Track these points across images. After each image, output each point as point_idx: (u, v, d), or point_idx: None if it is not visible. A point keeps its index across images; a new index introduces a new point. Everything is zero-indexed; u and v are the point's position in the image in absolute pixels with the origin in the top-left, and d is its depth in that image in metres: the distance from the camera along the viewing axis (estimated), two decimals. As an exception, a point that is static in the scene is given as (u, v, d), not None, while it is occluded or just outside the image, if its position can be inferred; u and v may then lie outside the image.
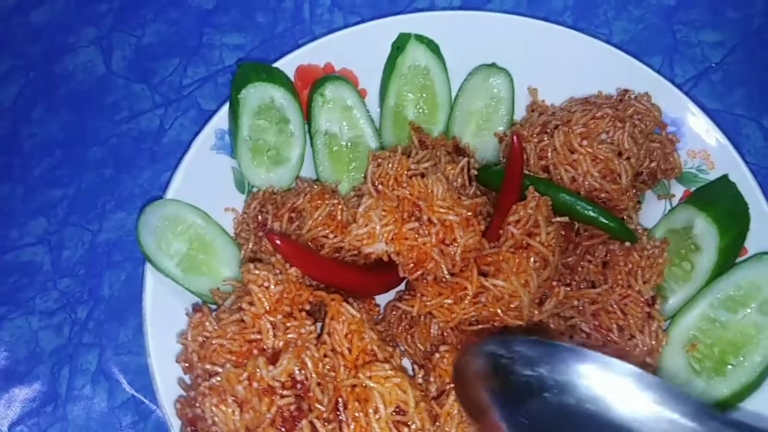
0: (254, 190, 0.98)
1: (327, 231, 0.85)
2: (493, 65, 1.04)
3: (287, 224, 0.89)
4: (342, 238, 0.84)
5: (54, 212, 1.11)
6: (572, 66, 1.04)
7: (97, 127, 1.20)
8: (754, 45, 1.23)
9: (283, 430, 0.72)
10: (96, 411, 0.96)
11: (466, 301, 0.80)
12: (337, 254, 0.86)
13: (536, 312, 0.81)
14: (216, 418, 0.71)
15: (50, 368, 0.99)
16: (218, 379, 0.72)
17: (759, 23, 1.25)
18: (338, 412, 0.72)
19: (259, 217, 0.92)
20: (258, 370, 0.70)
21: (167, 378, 0.82)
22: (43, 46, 1.29)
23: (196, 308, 0.86)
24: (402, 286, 0.93)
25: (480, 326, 0.83)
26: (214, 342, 0.74)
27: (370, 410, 0.70)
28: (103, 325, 1.02)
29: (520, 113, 1.06)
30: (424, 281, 0.83)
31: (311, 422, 0.73)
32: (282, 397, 0.71)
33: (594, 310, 0.86)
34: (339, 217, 0.86)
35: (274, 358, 0.74)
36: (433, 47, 1.05)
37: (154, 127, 1.19)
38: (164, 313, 0.86)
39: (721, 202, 0.89)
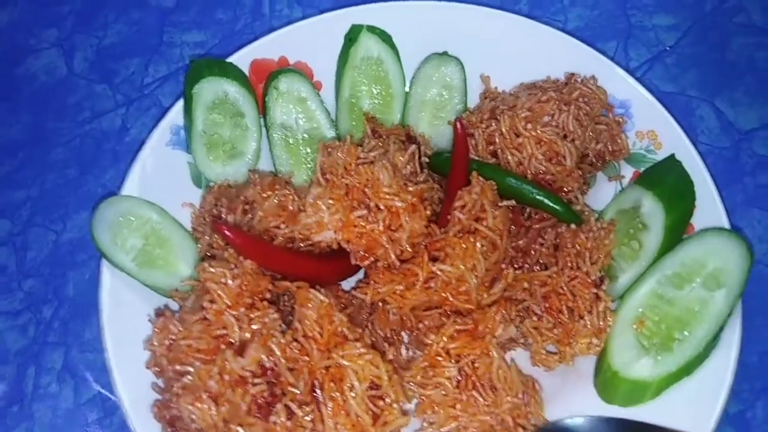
0: (211, 184, 0.99)
1: (278, 221, 0.86)
2: (444, 54, 1.06)
3: (241, 216, 0.90)
4: (293, 228, 0.85)
5: (18, 214, 1.12)
6: (524, 53, 1.06)
7: (60, 128, 1.20)
8: (706, 28, 1.25)
9: (259, 416, 0.74)
10: (62, 408, 0.97)
11: (417, 287, 0.82)
12: (291, 244, 0.88)
13: (485, 295, 0.82)
14: (193, 416, 0.73)
15: (16, 368, 1.00)
16: (190, 378, 0.73)
17: (711, 6, 1.26)
18: (315, 394, 0.74)
19: (215, 210, 0.93)
20: (227, 363, 0.72)
21: (126, 370, 0.83)
22: (3, 48, 1.29)
23: (158, 312, 0.88)
24: (361, 275, 0.95)
25: (433, 310, 0.85)
26: (181, 343, 0.76)
27: (346, 388, 0.73)
28: (68, 323, 1.02)
29: (474, 100, 1.08)
30: (377, 268, 0.84)
31: (286, 405, 0.75)
32: (254, 385, 0.73)
33: (544, 293, 0.88)
34: (290, 207, 0.87)
35: (241, 350, 0.75)
36: (385, 38, 1.06)
37: (116, 127, 1.20)
38: (122, 309, 0.87)
39: (667, 180, 0.91)
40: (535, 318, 0.87)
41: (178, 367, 0.74)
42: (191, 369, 0.74)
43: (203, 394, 0.71)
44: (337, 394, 0.73)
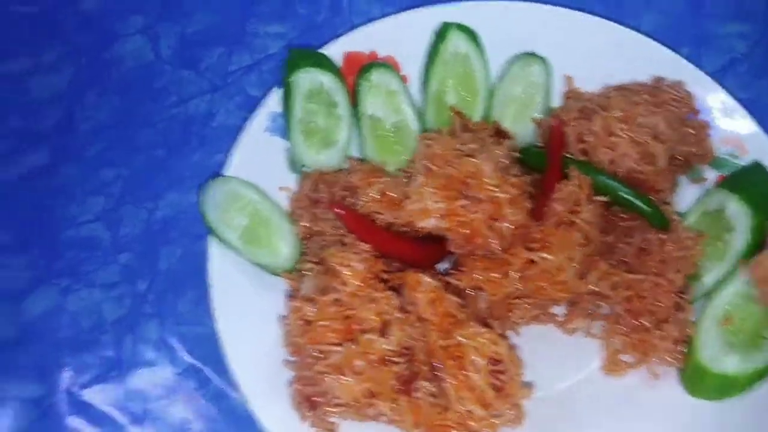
0: (305, 169, 1.04)
1: (380, 207, 0.90)
2: (532, 54, 1.09)
3: (340, 200, 0.94)
4: (393, 214, 0.90)
5: (110, 191, 1.16)
6: (605, 54, 1.10)
7: (148, 111, 1.25)
8: (780, 36, 1.27)
9: (400, 393, 0.80)
10: (158, 377, 1.02)
11: (514, 275, 0.86)
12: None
13: (580, 285, 0.86)
14: (338, 392, 0.79)
15: (113, 337, 1.05)
16: (335, 357, 0.79)
17: (785, 15, 1.29)
18: (436, 373, 0.79)
19: (313, 195, 0.98)
20: (373, 343, 0.78)
21: (235, 342, 0.88)
22: (92, 33, 1.34)
23: (291, 293, 0.93)
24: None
25: (525, 300, 0.89)
26: (319, 324, 0.81)
27: (468, 364, 0.77)
28: (161, 297, 1.07)
29: (555, 100, 1.11)
30: (473, 257, 0.88)
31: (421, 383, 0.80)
32: (396, 364, 0.78)
33: (627, 296, 0.91)
34: (390, 195, 0.91)
35: (383, 331, 0.81)
36: (473, 36, 1.10)
37: (201, 112, 1.24)
38: (228, 284, 0.92)
39: (753, 185, 0.94)
40: (614, 317, 0.91)
41: (321, 347, 0.79)
42: (338, 349, 0.78)
43: (348, 372, 0.77)
44: (458, 370, 0.77)
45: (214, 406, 1.00)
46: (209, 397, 1.00)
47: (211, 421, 1.00)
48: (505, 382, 0.79)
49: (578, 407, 0.92)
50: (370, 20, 1.29)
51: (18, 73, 1.28)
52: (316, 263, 0.91)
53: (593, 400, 0.93)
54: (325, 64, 1.06)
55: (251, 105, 1.22)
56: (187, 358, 1.03)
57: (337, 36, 1.22)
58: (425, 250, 0.91)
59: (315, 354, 0.80)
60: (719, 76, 1.25)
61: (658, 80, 1.01)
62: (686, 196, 1.01)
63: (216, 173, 1.14)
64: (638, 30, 1.28)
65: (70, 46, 1.32)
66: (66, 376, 1.02)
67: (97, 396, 1.01)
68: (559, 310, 0.95)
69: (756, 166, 0.96)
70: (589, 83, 1.11)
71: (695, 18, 1.31)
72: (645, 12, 1.32)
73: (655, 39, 1.13)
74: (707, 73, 1.23)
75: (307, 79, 1.03)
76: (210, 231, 0.94)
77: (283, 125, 1.05)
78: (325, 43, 1.16)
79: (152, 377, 1.02)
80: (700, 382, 0.87)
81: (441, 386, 0.78)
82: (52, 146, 1.21)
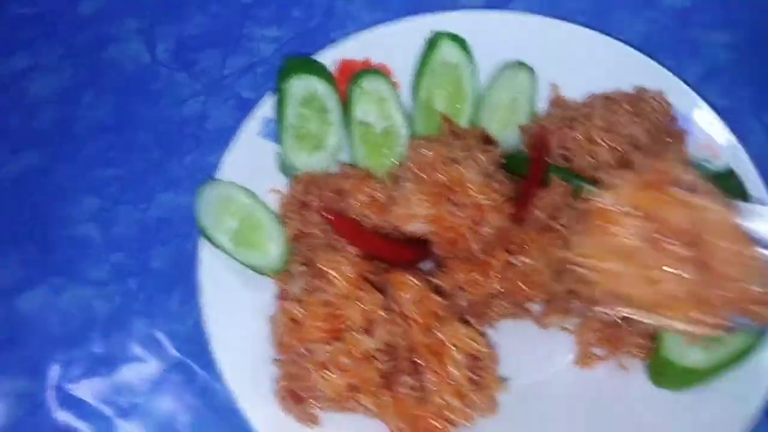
0: (296, 173, 1.06)
1: (369, 211, 0.93)
2: (519, 62, 1.12)
3: (330, 204, 0.97)
4: (381, 218, 0.92)
5: (107, 191, 1.18)
6: (590, 63, 1.13)
7: (143, 113, 1.27)
8: (764, 46, 1.30)
9: (384, 389, 0.83)
10: (145, 372, 1.04)
11: (493, 276, 0.88)
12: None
13: (557, 285, 0.89)
14: (323, 388, 0.82)
15: (103, 333, 1.07)
16: (322, 354, 0.82)
17: (770, 25, 1.32)
18: (417, 368, 0.82)
19: (305, 198, 1.00)
20: (359, 342, 0.81)
21: (224, 340, 0.91)
22: (89, 35, 1.36)
23: (282, 294, 0.95)
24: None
25: (504, 299, 0.92)
26: (308, 324, 0.84)
27: (447, 359, 0.81)
28: (152, 296, 1.09)
29: (541, 107, 1.14)
30: (456, 259, 0.91)
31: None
32: (379, 361, 0.82)
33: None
34: (379, 199, 0.94)
35: (368, 329, 0.84)
36: (463, 44, 1.13)
37: (196, 114, 1.26)
38: (218, 285, 0.95)
39: (725, 189, 0.96)
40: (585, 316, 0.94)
41: (310, 346, 0.82)
42: (327, 347, 0.81)
43: (333, 369, 0.80)
44: (438, 366, 0.81)
45: (201, 399, 1.02)
46: (196, 391, 1.02)
47: (197, 414, 1.02)
48: (482, 376, 0.82)
49: (552, 398, 0.95)
50: (363, 25, 1.32)
51: (16, 73, 1.31)
52: (305, 264, 0.93)
53: (566, 391, 0.95)
54: (319, 71, 1.09)
55: (245, 107, 1.24)
56: (175, 354, 1.05)
57: (331, 40, 1.24)
58: (409, 252, 0.93)
59: (302, 352, 0.82)
60: (702, 84, 1.29)
61: (640, 90, 1.04)
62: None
63: (209, 175, 1.16)
64: (623, 40, 1.33)
65: (68, 47, 1.35)
66: (55, 372, 1.04)
67: (86, 390, 1.03)
68: (535, 306, 0.98)
69: (728, 172, 0.99)
70: (575, 91, 1.14)
71: (681, 28, 1.34)
72: (633, 22, 1.35)
73: (638, 49, 1.17)
74: (687, 83, 1.26)
75: (301, 85, 1.06)
76: (202, 234, 0.96)
77: (276, 130, 1.08)
78: (319, 47, 1.19)
79: (140, 372, 1.04)
80: (665, 373, 0.90)
81: (421, 380, 0.81)
82: (48, 145, 1.23)
